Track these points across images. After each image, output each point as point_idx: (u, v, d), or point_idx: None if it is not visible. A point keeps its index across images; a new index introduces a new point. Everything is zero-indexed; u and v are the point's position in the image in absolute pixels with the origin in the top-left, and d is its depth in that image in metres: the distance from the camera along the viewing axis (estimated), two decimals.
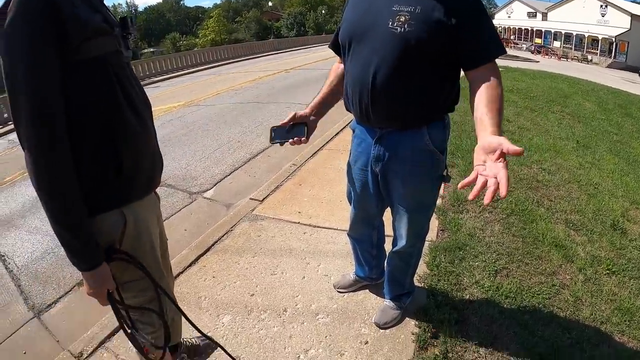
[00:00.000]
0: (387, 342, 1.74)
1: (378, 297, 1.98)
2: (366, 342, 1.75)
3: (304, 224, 2.76)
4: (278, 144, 1.42)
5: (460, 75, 1.34)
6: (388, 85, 1.22)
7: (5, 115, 11.21)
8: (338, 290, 2.07)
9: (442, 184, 1.52)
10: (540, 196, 3.13)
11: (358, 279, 2.04)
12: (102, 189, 1.02)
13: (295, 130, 1.41)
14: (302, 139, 1.39)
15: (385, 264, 1.83)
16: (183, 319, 1.33)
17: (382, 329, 1.80)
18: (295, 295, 2.06)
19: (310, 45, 24.31)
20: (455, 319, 1.80)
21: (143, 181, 1.12)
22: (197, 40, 49.06)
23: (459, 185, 0.91)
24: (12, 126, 10.82)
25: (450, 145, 3.86)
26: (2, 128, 10.57)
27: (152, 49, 51.39)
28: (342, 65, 1.48)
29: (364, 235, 1.84)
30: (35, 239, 3.67)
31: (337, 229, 2.65)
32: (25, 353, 2.40)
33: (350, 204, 1.75)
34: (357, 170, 1.56)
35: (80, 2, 0.93)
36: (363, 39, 1.26)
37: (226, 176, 4.21)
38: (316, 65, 11.82)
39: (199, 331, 1.29)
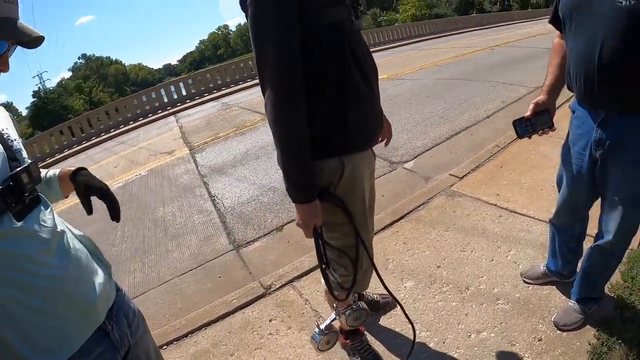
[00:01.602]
0: (560, 345, 1.63)
1: (563, 296, 1.86)
2: (540, 339, 1.67)
3: (501, 207, 2.68)
4: (527, 138, 1.43)
5: None
6: (617, 65, 1.12)
7: (220, 82, 13.36)
8: (524, 279, 1.99)
9: None
10: None
11: (548, 272, 1.92)
12: (328, 138, 1.13)
13: (539, 119, 1.39)
14: (553, 128, 1.38)
15: (581, 262, 1.68)
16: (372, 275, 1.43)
17: (559, 329, 1.70)
18: (480, 276, 2.07)
19: (515, 21, 21.72)
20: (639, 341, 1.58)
21: (364, 136, 1.21)
22: (397, 15, 48.36)
23: None
24: (225, 91, 12.19)
25: None
26: (217, 92, 12.73)
27: None
28: (563, 42, 1.38)
29: (568, 225, 1.71)
30: (242, 186, 4.31)
31: (534, 218, 2.49)
32: (220, 277, 2.75)
33: (559, 189, 1.64)
34: (574, 153, 1.44)
35: None
36: (585, 12, 1.17)
37: (427, 150, 4.19)
38: (523, 43, 10.43)
39: (385, 287, 1.35)
